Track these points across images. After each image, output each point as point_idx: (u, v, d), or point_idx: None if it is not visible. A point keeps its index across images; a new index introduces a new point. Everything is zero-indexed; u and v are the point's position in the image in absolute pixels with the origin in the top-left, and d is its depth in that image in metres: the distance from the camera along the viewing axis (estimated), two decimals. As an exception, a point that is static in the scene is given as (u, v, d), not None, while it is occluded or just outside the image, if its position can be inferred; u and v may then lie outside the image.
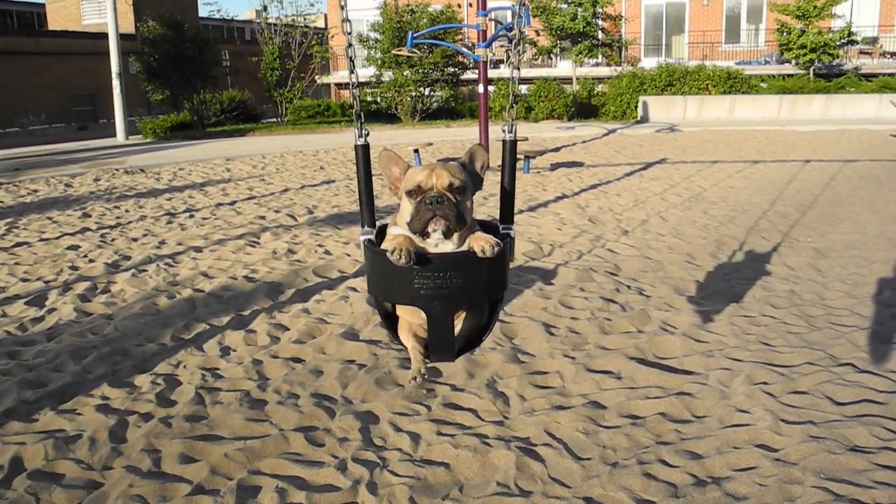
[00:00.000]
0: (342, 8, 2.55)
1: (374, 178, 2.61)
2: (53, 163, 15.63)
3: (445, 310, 2.32)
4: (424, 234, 2.28)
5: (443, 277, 2.24)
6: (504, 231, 2.49)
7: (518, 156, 12.35)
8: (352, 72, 2.57)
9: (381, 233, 2.54)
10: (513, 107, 2.53)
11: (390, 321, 2.60)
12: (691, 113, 23.07)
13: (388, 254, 2.18)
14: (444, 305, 2.29)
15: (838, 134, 17.83)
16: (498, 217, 2.61)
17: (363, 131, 2.51)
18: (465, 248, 2.30)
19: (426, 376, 2.43)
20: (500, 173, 2.60)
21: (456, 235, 2.30)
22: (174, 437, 3.55)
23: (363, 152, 2.52)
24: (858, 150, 14.51)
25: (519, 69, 2.59)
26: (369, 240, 2.48)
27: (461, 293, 2.29)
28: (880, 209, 8.68)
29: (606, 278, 6.01)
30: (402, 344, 2.58)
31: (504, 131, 2.52)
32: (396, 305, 2.57)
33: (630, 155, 14.78)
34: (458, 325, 2.50)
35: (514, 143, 2.53)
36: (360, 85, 2.56)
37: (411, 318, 2.53)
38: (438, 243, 2.31)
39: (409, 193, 2.30)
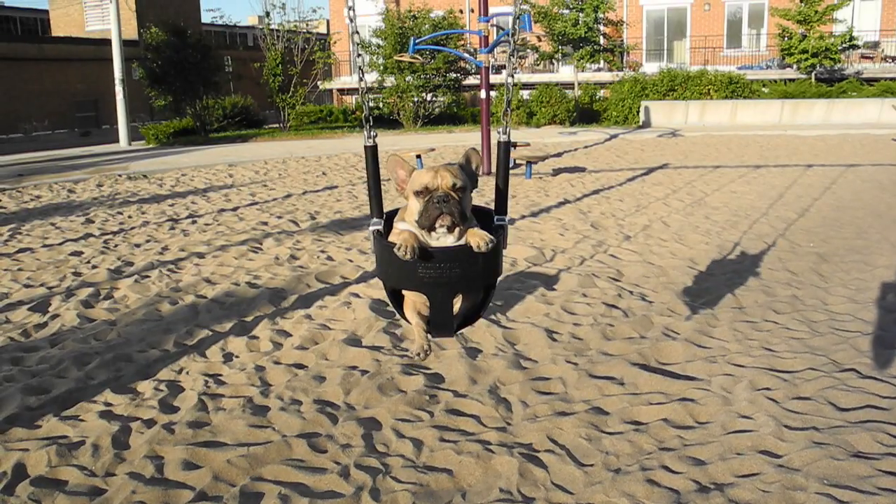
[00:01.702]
0: (351, 21, 2.78)
1: (381, 175, 2.82)
2: (56, 168, 15.67)
3: (445, 295, 2.60)
4: (431, 229, 2.53)
5: (443, 268, 2.50)
6: (498, 222, 2.75)
7: (520, 161, 12.40)
8: (361, 79, 2.82)
9: (388, 220, 2.79)
10: (507, 112, 2.78)
11: (396, 299, 2.86)
12: (693, 118, 23.08)
13: (395, 249, 2.45)
14: (444, 291, 2.58)
15: (840, 138, 17.83)
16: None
17: (372, 133, 2.75)
18: (462, 242, 2.54)
19: (429, 352, 2.67)
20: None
21: (457, 230, 2.54)
22: (177, 443, 3.55)
23: (372, 152, 2.77)
24: (860, 155, 14.51)
25: (513, 76, 2.85)
26: (378, 230, 2.73)
27: (459, 281, 2.56)
28: (883, 213, 8.68)
29: (609, 284, 6.01)
30: (407, 320, 2.84)
31: (499, 133, 2.78)
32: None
33: (632, 160, 14.79)
34: (457, 305, 2.74)
35: (507, 143, 2.79)
36: (366, 91, 2.85)
37: (415, 298, 2.77)
38: (441, 237, 2.55)
39: (417, 193, 2.54)
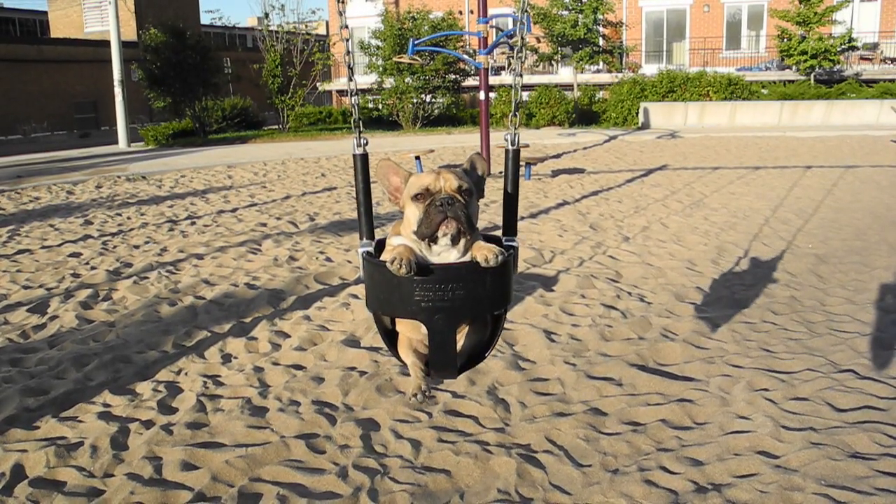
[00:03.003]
0: (341, 14, 2.52)
1: (373, 189, 2.57)
2: (55, 170, 15.67)
3: (447, 323, 2.23)
4: (433, 239, 2.21)
5: (444, 289, 2.16)
6: (507, 243, 2.42)
7: (519, 163, 12.42)
8: (351, 80, 2.52)
9: (380, 248, 2.48)
10: (515, 115, 2.47)
11: (390, 338, 2.54)
12: (692, 119, 23.09)
13: (388, 264, 2.12)
14: (445, 318, 2.21)
15: (839, 140, 17.85)
16: (500, 225, 2.57)
17: (362, 140, 2.46)
18: (467, 258, 2.23)
19: (427, 393, 2.34)
20: (501, 181, 2.57)
21: (461, 243, 2.23)
22: (175, 444, 3.56)
23: (362, 162, 2.46)
24: (859, 156, 14.52)
25: (521, 76, 2.54)
26: (368, 252, 2.41)
27: (463, 305, 2.20)
28: (881, 215, 8.68)
29: (607, 285, 6.01)
30: (401, 361, 2.52)
31: (506, 140, 2.49)
32: (396, 321, 2.50)
33: (631, 161, 14.80)
34: (460, 341, 2.43)
35: (516, 152, 2.48)
36: (362, 92, 2.51)
37: (412, 334, 2.46)
38: (442, 251, 2.23)
39: (416, 198, 2.22)
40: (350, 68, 2.51)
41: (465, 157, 2.46)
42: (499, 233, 2.55)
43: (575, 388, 4.11)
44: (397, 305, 2.24)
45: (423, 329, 2.30)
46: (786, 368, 4.27)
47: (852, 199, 9.71)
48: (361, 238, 2.50)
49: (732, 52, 29.24)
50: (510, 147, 2.47)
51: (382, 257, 2.30)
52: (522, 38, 2.55)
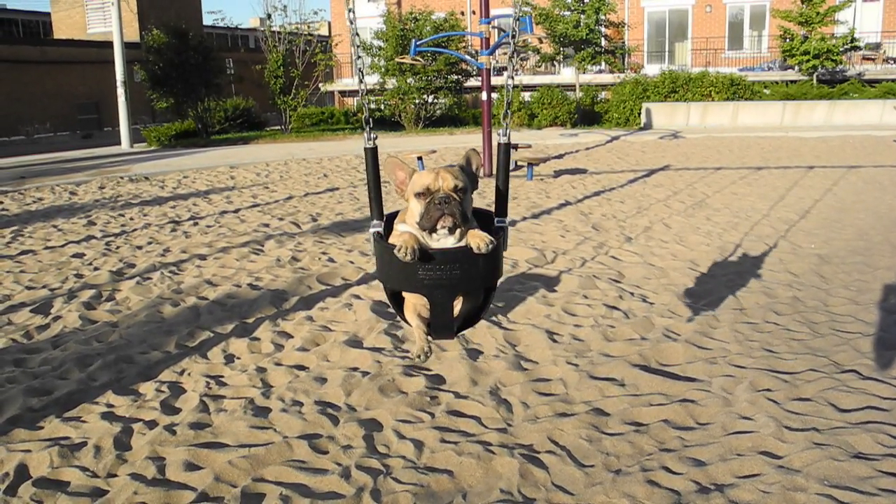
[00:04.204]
0: (351, 23, 2.82)
1: (381, 177, 2.84)
2: (58, 171, 15.70)
3: (446, 296, 2.60)
4: (432, 231, 2.55)
5: (443, 270, 2.51)
6: (499, 224, 2.77)
7: (521, 163, 12.40)
8: (361, 81, 2.83)
9: (388, 224, 2.81)
10: (507, 115, 2.81)
11: (397, 301, 2.88)
12: (694, 119, 23.08)
13: (396, 251, 2.45)
14: (444, 293, 2.58)
15: (842, 140, 17.82)
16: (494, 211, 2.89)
17: (372, 136, 2.77)
18: (463, 243, 2.56)
19: (429, 353, 2.67)
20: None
21: (457, 232, 2.56)
22: (179, 444, 3.56)
23: (372, 154, 2.78)
24: (862, 156, 14.50)
25: (513, 78, 2.88)
26: (378, 233, 2.75)
27: (460, 282, 2.57)
28: (884, 215, 8.68)
29: (610, 285, 6.01)
30: (407, 322, 2.86)
31: (499, 135, 2.80)
32: None
33: (633, 162, 14.79)
34: (457, 308, 2.76)
35: (507, 145, 2.82)
36: (367, 93, 2.90)
37: (415, 300, 2.78)
38: (441, 238, 2.57)
39: (418, 195, 2.56)
40: (360, 71, 2.85)
41: (466, 156, 2.70)
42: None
43: (577, 388, 4.11)
44: (403, 281, 2.63)
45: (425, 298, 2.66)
46: (788, 369, 4.27)
47: (855, 200, 9.70)
48: (372, 218, 2.84)
49: (735, 53, 29.20)
50: (501, 141, 2.80)
51: (391, 240, 2.65)
52: (515, 45, 2.92)
